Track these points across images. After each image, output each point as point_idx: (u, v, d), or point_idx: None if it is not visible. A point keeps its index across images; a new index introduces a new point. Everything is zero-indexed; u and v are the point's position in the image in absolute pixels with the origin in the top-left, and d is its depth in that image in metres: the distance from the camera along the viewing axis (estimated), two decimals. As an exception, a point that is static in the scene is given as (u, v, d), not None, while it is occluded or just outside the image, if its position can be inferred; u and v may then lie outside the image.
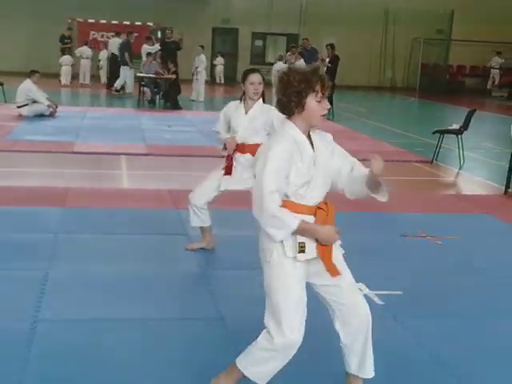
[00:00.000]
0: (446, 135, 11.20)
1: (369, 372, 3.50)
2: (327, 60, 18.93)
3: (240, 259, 5.78)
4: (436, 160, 11.10)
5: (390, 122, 16.87)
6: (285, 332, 3.23)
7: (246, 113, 5.64)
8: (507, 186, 8.98)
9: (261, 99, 5.63)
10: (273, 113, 5.32)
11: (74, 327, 4.32)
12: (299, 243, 3.24)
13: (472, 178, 10.24)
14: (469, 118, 11.23)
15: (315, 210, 3.27)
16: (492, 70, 28.29)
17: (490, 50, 27.85)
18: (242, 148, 5.64)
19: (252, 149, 5.29)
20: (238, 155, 5.66)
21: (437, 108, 22.37)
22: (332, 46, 19.29)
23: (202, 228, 5.95)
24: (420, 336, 4.41)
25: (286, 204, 3.21)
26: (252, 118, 5.61)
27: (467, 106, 12.38)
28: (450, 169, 10.95)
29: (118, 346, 4.09)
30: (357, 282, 5.28)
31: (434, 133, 11.41)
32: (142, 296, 4.86)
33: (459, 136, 11.12)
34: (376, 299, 4.95)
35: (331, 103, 18.15)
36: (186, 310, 4.67)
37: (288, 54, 20.43)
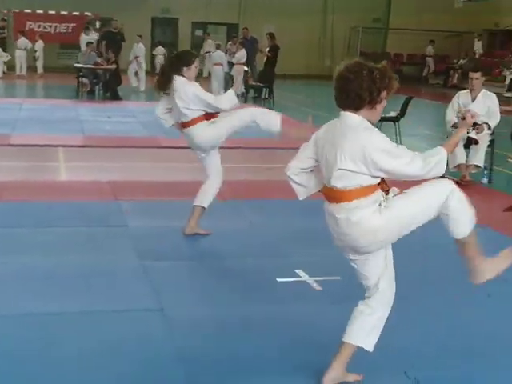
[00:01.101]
0: (384, 122, 11.36)
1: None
2: (267, 49, 19.02)
3: (179, 250, 5.80)
4: (374, 147, 11.26)
5: (329, 110, 16.97)
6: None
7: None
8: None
9: None
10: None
11: (10, 322, 4.26)
12: None
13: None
14: (405, 105, 11.45)
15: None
16: (427, 58, 28.83)
17: (426, 38, 28.36)
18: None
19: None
20: None
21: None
22: (272, 35, 19.36)
23: None
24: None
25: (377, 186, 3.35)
26: None
27: (405, 93, 12.56)
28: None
29: (58, 340, 4.05)
30: (295, 269, 5.41)
31: (371, 120, 11.57)
32: (83, 288, 4.83)
33: (396, 123, 11.32)
34: (315, 285, 5.03)
35: (271, 92, 18.32)
36: (126, 302, 4.65)
37: (229, 43, 20.44)
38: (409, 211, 3.37)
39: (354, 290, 4.97)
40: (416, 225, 3.42)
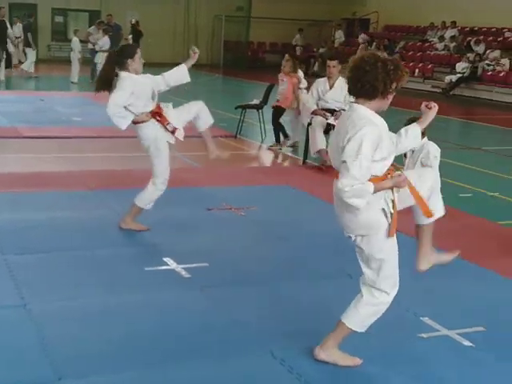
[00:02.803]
0: (248, 110, 11.55)
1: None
2: (130, 36, 18.83)
3: (43, 243, 5.67)
4: (240, 134, 11.44)
5: (195, 98, 17.00)
6: (395, 290, 3.69)
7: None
8: (305, 158, 9.47)
9: None
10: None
11: None
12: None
13: (273, 152, 10.63)
14: (268, 93, 11.65)
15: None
16: (296, 47, 29.32)
17: (289, 27, 28.89)
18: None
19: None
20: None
21: (240, 84, 22.93)
22: (136, 23, 19.19)
23: None
24: (224, 304, 4.58)
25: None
26: None
27: (269, 81, 12.81)
28: (252, 142, 11.33)
29: None
30: (164, 257, 5.43)
31: (236, 108, 11.73)
32: None
33: (259, 110, 11.51)
34: (183, 273, 5.07)
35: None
36: (-12, 298, 4.51)
37: (92, 28, 20.12)
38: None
39: (222, 276, 5.10)
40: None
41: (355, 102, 3.56)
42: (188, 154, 9.75)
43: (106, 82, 5.81)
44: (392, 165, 3.61)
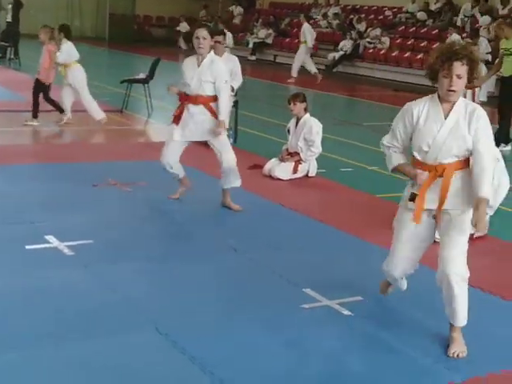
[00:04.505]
0: (134, 84, 11.38)
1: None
2: (9, 6, 18.13)
3: None
4: (125, 109, 11.27)
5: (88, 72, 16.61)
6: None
7: (199, 66, 6.10)
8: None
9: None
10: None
11: None
12: (411, 193, 3.80)
13: (160, 126, 10.54)
14: (154, 67, 11.51)
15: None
16: (202, 22, 28.90)
17: (176, 1, 28.56)
18: (194, 99, 6.04)
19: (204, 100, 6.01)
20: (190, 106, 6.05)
21: (125, 57, 22.54)
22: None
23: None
24: (109, 282, 4.54)
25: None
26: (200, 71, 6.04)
27: (155, 55, 12.63)
28: (139, 117, 11.20)
29: None
30: (45, 235, 5.31)
31: (121, 82, 11.53)
32: None
33: (146, 85, 11.36)
34: (66, 251, 4.98)
35: (17, 53, 17.45)
36: None
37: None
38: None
39: (108, 253, 5.05)
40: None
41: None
42: (70, 128, 9.55)
43: None
44: None
